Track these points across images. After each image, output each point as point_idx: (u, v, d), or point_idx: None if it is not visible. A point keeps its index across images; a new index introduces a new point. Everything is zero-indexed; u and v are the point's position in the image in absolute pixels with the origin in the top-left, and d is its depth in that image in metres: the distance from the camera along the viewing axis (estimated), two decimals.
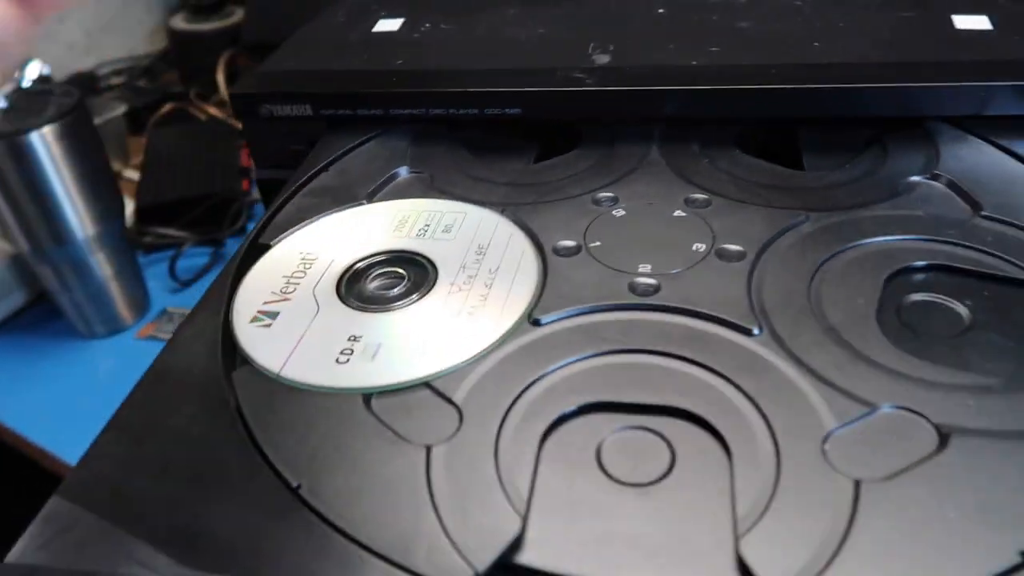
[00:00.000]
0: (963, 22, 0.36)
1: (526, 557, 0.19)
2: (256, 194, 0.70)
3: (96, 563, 0.18)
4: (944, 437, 0.20)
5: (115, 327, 0.63)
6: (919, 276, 0.26)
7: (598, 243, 0.28)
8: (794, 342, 0.23)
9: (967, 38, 0.35)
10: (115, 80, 0.91)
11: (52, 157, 0.55)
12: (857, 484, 0.19)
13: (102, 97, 0.84)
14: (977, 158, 0.31)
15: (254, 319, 0.26)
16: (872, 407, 0.21)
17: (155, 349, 0.25)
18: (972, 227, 0.27)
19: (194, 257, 0.68)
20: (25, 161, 0.54)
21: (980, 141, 0.31)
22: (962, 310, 0.25)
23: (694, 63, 0.35)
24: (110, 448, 0.22)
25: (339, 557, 0.19)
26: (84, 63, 0.91)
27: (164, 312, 0.64)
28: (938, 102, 0.32)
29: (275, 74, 0.39)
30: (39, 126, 0.54)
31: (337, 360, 0.24)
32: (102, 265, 0.61)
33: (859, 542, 0.18)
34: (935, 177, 0.30)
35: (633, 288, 0.26)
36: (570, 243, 0.28)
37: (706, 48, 0.36)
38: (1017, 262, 0.26)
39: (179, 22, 0.88)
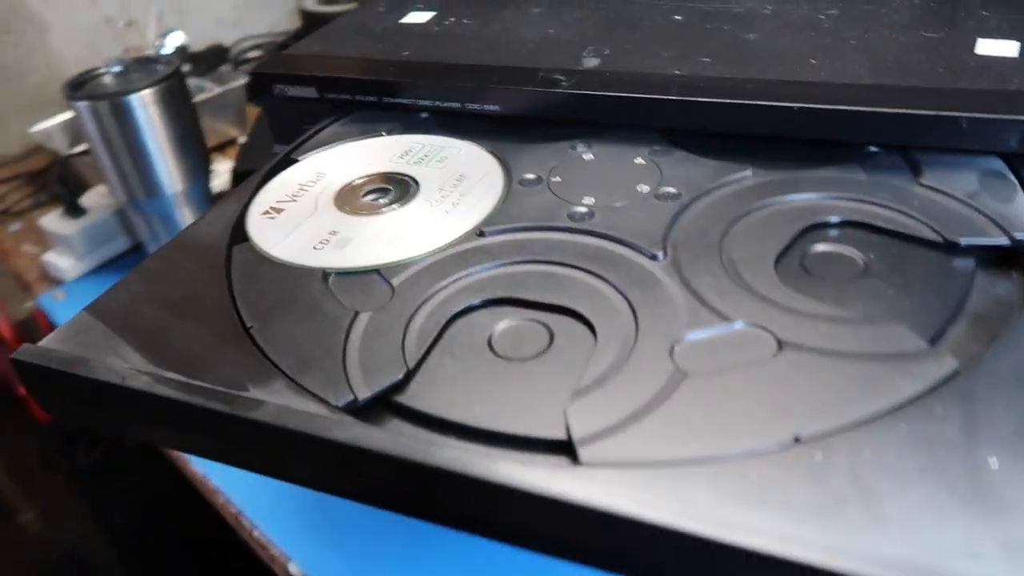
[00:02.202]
0: (986, 47, 0.34)
1: (402, 397, 0.23)
2: None
3: (91, 353, 0.25)
4: (779, 348, 0.23)
5: None
6: (834, 231, 0.28)
7: (558, 179, 0.32)
8: (689, 268, 0.26)
9: (982, 64, 0.32)
10: (252, 54, 1.01)
11: (148, 117, 0.63)
12: (684, 375, 0.22)
13: (234, 69, 0.94)
14: None
15: (265, 212, 0.32)
16: (729, 321, 0.24)
17: None
18: (905, 192, 0.29)
19: None
20: (125, 120, 0.62)
21: None
22: (861, 261, 0.27)
23: (676, 72, 0.35)
24: (131, 284, 0.28)
25: (258, 374, 0.24)
26: (230, 36, 1.02)
27: None
28: (907, 130, 0.30)
29: (295, 57, 0.43)
30: (139, 89, 0.62)
31: (314, 248, 0.30)
32: (188, 219, 0.68)
33: (659, 415, 0.21)
34: None
35: (570, 215, 0.30)
36: (534, 176, 0.32)
37: (697, 58, 0.36)
38: (933, 225, 0.27)
39: (310, 3, 0.96)
